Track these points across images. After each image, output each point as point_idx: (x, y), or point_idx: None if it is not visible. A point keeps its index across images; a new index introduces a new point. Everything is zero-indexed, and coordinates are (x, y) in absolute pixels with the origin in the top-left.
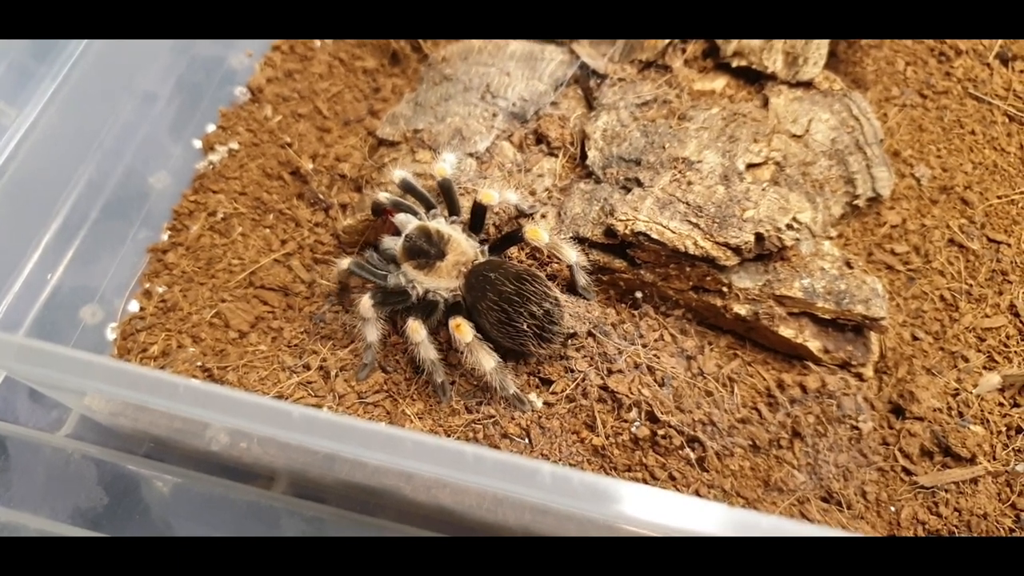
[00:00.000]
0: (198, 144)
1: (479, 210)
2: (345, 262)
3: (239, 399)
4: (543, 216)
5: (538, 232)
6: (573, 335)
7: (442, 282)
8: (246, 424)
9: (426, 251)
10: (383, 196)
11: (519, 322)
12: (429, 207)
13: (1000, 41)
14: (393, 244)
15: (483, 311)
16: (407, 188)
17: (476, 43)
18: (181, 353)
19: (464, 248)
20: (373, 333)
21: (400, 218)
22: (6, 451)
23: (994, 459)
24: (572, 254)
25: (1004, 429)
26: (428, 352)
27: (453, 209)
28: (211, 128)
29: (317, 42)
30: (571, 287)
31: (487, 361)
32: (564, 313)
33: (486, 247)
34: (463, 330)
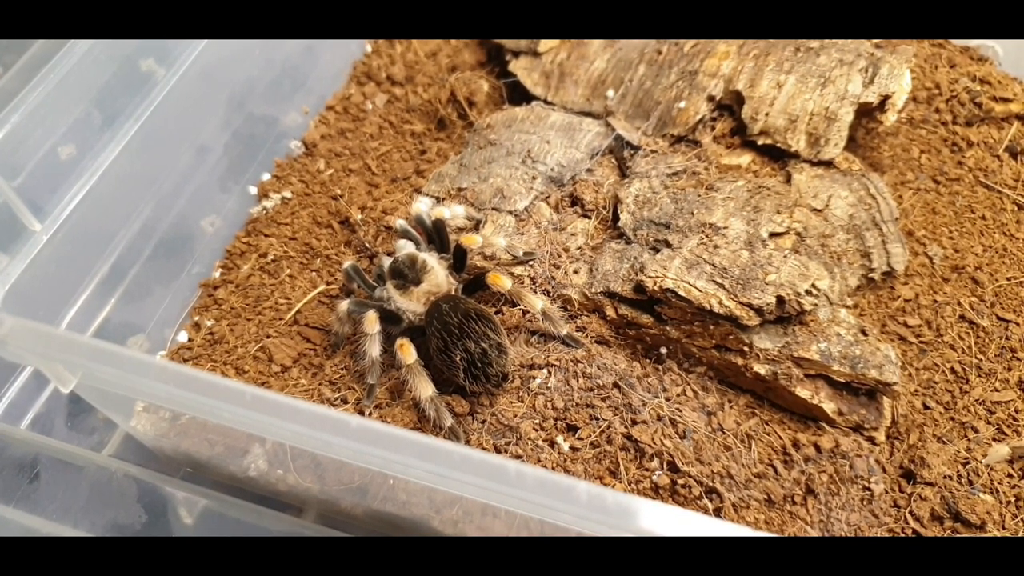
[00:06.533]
0: (253, 191)
1: (459, 252)
2: (347, 262)
3: (300, 407)
4: (575, 272)
5: (500, 278)
6: (505, 377)
7: (411, 305)
8: (306, 431)
9: (404, 274)
10: (399, 223)
11: (454, 353)
12: (431, 242)
13: (1010, 135)
14: (387, 263)
15: (429, 336)
16: (419, 222)
17: (519, 112)
18: None
19: (440, 281)
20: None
21: (399, 243)
22: (50, 468)
23: (1003, 528)
24: (538, 303)
25: (1013, 499)
26: (373, 348)
27: (443, 247)
28: (266, 177)
29: (369, 104)
30: (548, 337)
31: (423, 388)
32: (504, 359)
33: (462, 286)
34: (406, 350)
